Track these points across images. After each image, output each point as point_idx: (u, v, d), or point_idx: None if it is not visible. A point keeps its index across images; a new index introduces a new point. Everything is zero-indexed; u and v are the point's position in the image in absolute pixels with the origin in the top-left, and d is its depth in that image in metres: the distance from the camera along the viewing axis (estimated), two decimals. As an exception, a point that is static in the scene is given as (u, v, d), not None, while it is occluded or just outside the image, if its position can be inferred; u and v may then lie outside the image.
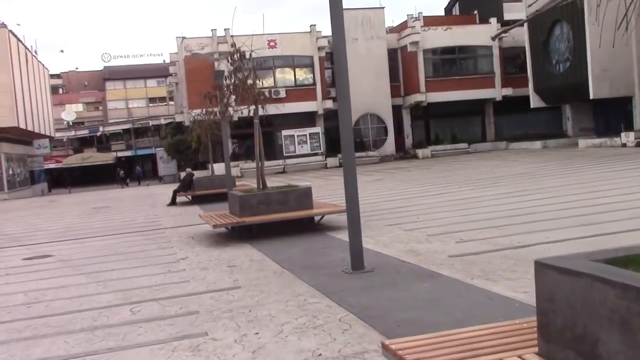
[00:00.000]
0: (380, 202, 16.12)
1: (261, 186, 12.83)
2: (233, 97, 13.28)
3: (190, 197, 22.54)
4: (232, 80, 13.10)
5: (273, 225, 11.96)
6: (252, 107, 12.72)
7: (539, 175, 19.83)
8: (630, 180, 15.84)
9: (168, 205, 21.98)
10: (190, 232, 13.81)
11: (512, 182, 18.38)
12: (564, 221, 10.39)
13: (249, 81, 12.66)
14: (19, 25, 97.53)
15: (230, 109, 15.26)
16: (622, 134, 30.25)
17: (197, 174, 33.33)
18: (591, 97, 32.31)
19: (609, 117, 36.25)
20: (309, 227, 12.31)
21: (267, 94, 14.04)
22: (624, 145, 29.74)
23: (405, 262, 8.22)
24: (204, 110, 22.29)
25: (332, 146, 40.08)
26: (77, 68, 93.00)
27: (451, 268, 7.57)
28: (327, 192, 21.21)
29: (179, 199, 22.42)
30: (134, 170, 59.07)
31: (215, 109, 19.40)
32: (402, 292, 6.64)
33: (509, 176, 20.61)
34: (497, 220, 11.26)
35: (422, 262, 8.12)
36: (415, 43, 41.02)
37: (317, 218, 12.76)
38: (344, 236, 10.94)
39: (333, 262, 8.76)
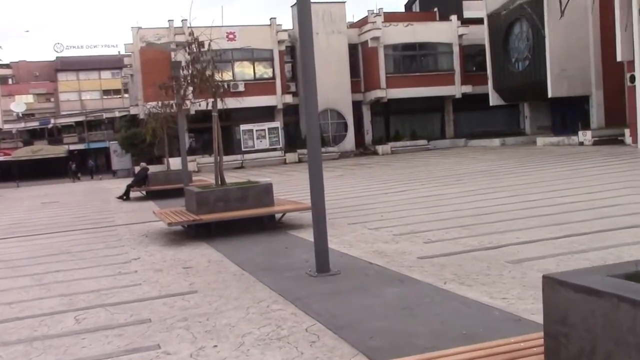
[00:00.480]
0: (342, 200, 15.71)
1: (219, 182, 12.25)
2: (190, 88, 12.64)
3: (144, 192, 21.72)
4: (190, 71, 12.49)
5: (232, 223, 11.40)
6: (211, 100, 12.14)
7: (500, 173, 19.73)
8: (590, 179, 15.81)
9: (120, 199, 21.13)
10: (144, 230, 13.13)
11: (474, 180, 18.21)
12: (532, 221, 10.13)
13: (208, 72, 12.06)
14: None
15: (187, 101, 14.65)
16: (580, 133, 30.59)
17: (153, 168, 32.43)
18: (549, 95, 32.59)
19: (566, 116, 36.71)
20: (270, 225, 11.79)
21: (226, 86, 13.44)
22: (581, 143, 30.08)
23: (372, 264, 7.79)
24: (160, 102, 21.52)
25: (291, 141, 39.57)
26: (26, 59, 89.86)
27: (422, 271, 7.17)
28: (286, 188, 20.70)
29: (132, 194, 21.59)
30: (86, 164, 57.29)
31: (172, 102, 18.68)
32: (372, 298, 6.19)
33: (470, 173, 20.47)
34: (463, 219, 10.95)
35: (391, 264, 7.70)
36: (376, 39, 40.77)
37: (277, 216, 12.25)
38: (306, 235, 10.50)
39: (296, 263, 8.28)
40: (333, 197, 16.38)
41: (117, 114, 60.36)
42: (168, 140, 24.83)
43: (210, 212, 11.40)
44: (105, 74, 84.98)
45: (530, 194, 13.86)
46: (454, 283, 6.49)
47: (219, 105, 12.25)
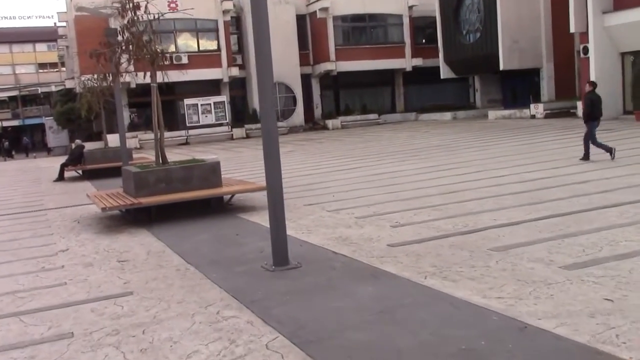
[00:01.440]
0: (295, 178, 14.67)
1: (161, 160, 11.03)
2: (125, 56, 11.28)
3: (80, 171, 20.14)
4: (125, 36, 11.12)
5: (175, 207, 10.24)
6: (160, 74, 10.95)
7: (458, 148, 19.04)
8: (552, 154, 15.24)
9: (54, 181, 19.52)
10: (77, 214, 11.81)
11: (432, 155, 17.45)
12: (504, 200, 9.35)
13: (145, 38, 10.74)
14: None
15: (127, 75, 13.26)
16: (532, 106, 30.31)
17: (92, 145, 30.59)
18: (501, 68, 32.20)
19: (516, 88, 36.52)
20: (218, 208, 10.69)
21: (167, 55, 12.13)
22: (533, 116, 29.81)
23: (337, 255, 6.81)
24: (96, 75, 19.87)
25: (238, 116, 38.15)
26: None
27: (396, 262, 6.24)
28: (235, 165, 19.54)
29: (67, 173, 19.99)
30: (21, 141, 54.35)
31: (108, 73, 17.16)
32: (343, 299, 5.22)
33: (427, 148, 19.72)
34: (430, 198, 10.09)
35: (358, 254, 6.75)
36: (325, 9, 39.48)
37: (226, 197, 11.15)
38: (259, 219, 9.46)
39: (249, 254, 7.23)
40: (285, 174, 15.23)
41: (53, 88, 57.47)
42: (106, 115, 23.25)
43: (150, 195, 10.19)
44: (41, 46, 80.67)
45: (494, 169, 13.14)
46: (436, 278, 5.58)
47: (160, 77, 11.01)
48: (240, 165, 19.75)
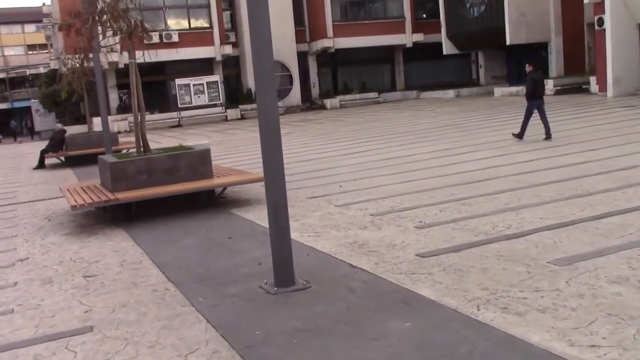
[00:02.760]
0: (295, 164, 13.19)
1: (141, 148, 9.60)
2: (100, 28, 9.79)
3: (62, 158, 18.67)
4: (99, 6, 9.61)
5: (159, 202, 8.85)
6: (145, 52, 9.60)
7: (469, 128, 17.62)
8: (578, 133, 13.83)
9: (34, 168, 18.07)
10: (50, 210, 10.39)
11: (443, 137, 16.02)
12: (543, 190, 7.97)
13: (121, 5, 9.28)
14: None
15: (113, 54, 11.88)
16: (541, 82, 28.73)
17: (78, 129, 29.06)
18: (508, 43, 30.61)
19: (522, 64, 34.85)
20: (208, 202, 9.28)
21: (148, 27, 10.61)
22: (542, 93, 28.26)
23: (356, 269, 5.43)
24: (78, 54, 18.31)
25: (233, 96, 36.54)
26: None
27: (432, 282, 4.86)
28: (229, 149, 18.10)
29: (49, 160, 18.52)
30: (9, 125, 52.62)
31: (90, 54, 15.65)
32: (371, 343, 3.84)
33: (436, 129, 18.29)
34: (454, 189, 8.70)
35: (382, 267, 5.37)
36: (321, -17, 37.72)
37: (218, 190, 9.74)
38: (255, 216, 8.08)
39: (244, 266, 5.85)
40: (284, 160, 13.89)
41: (41, 69, 55.65)
42: (94, 97, 21.72)
43: (130, 189, 8.78)
44: (30, 27, 78.66)
45: (518, 152, 11.75)
46: (493, 308, 4.20)
47: (143, 55, 9.61)
48: (234, 148, 18.31)
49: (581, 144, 12.10)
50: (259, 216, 8.04)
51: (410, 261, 5.48)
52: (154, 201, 8.80)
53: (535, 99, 13.20)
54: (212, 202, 9.38)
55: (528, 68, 13.55)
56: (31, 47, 78.74)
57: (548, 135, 13.03)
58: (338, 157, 13.95)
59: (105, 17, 9.39)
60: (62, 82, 18.73)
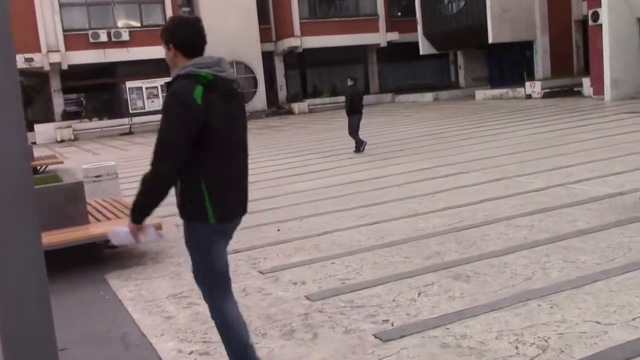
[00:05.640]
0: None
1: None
2: None
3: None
4: None
5: None
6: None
7: (452, 138, 14.76)
8: (598, 144, 11.06)
9: None
10: None
11: (421, 151, 13.18)
12: (575, 250, 5.09)
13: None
14: None
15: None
16: (527, 84, 26.12)
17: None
18: (490, 41, 27.97)
19: (504, 65, 32.47)
20: (85, 259, 6.25)
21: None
22: (528, 96, 25.63)
23: None
24: None
25: (191, 101, 33.39)
26: None
27: None
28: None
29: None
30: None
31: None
32: None
33: (413, 140, 15.43)
34: (440, 241, 5.77)
35: None
36: (288, -22, 34.78)
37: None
38: (132, 294, 5.07)
39: None
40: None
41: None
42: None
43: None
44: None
45: (523, 175, 8.91)
46: None
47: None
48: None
49: (604, 162, 9.29)
50: (139, 294, 5.07)
51: None
52: None
53: (353, 113, 13.53)
54: (90, 258, 6.35)
55: (350, 82, 14.11)
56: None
57: (358, 149, 13.48)
58: (291, 178, 11.01)
59: None
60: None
